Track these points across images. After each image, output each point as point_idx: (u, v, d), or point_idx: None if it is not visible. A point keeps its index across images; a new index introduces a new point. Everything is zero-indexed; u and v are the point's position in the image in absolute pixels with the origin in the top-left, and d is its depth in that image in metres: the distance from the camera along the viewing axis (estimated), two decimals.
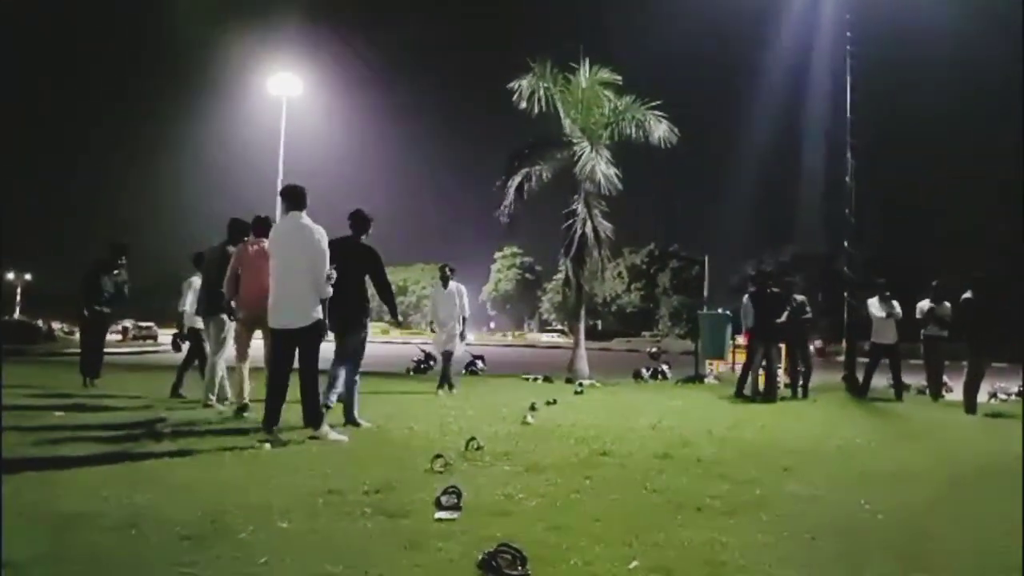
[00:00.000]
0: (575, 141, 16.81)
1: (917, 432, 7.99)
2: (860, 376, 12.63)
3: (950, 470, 5.61)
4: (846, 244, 14.67)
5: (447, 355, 10.95)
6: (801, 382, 11.89)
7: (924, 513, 4.20)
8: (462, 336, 10.86)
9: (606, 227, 17.18)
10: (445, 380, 10.87)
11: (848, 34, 14.76)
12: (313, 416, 6.05)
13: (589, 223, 16.86)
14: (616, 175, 16.77)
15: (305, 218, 6.14)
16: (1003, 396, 12.09)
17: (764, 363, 11.13)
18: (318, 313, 6.07)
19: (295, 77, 31.21)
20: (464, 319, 10.85)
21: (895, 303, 11.66)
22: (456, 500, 3.77)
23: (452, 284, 10.82)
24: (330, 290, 6.10)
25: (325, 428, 6.02)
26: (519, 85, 16.64)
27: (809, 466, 5.44)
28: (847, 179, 14.42)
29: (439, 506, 3.74)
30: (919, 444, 7.06)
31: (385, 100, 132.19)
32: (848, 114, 14.59)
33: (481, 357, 17.91)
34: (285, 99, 30.84)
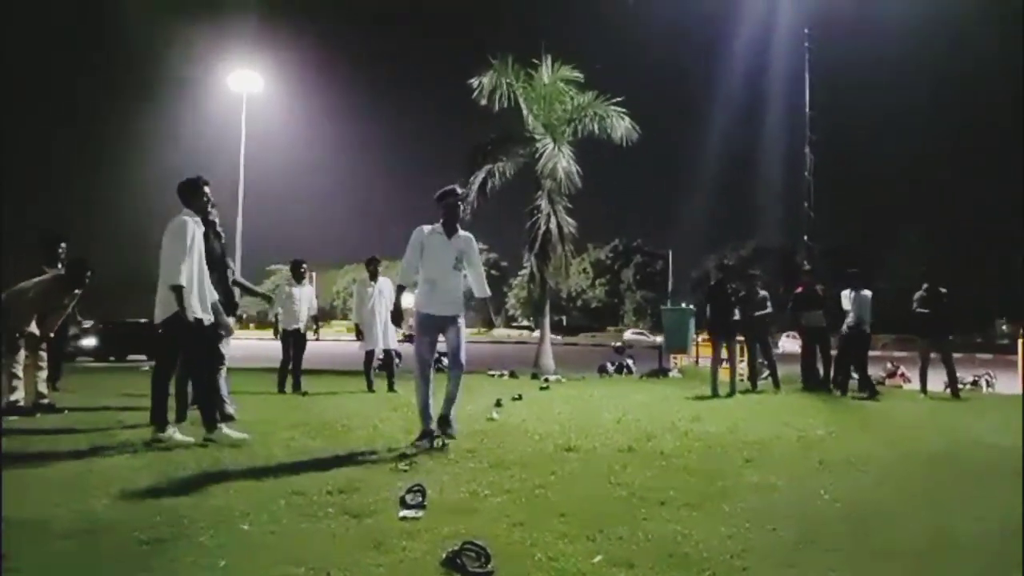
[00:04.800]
0: (538, 137, 16.84)
1: (876, 421, 8.15)
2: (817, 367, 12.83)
3: (907, 458, 5.73)
4: (805, 237, 14.92)
5: (394, 352, 10.99)
6: (766, 375, 12.08)
7: (882, 500, 4.28)
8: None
9: (570, 223, 17.26)
10: (392, 378, 10.69)
11: (806, 31, 15.01)
12: (203, 418, 5.82)
13: (553, 219, 16.91)
14: (577, 172, 16.86)
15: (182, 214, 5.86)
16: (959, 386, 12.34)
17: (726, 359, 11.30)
18: (172, 307, 5.60)
19: (255, 74, 30.84)
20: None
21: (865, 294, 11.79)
22: (420, 498, 3.76)
23: (381, 279, 10.73)
24: (178, 279, 5.58)
25: (220, 429, 5.80)
26: (480, 82, 16.62)
27: (770, 457, 5.51)
28: (806, 174, 14.68)
29: (403, 505, 3.72)
30: (877, 433, 7.19)
31: (347, 95, 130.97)
32: (807, 110, 14.85)
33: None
34: (245, 95, 30.45)
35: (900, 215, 59.12)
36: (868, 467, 5.24)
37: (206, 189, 6.03)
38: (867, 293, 11.40)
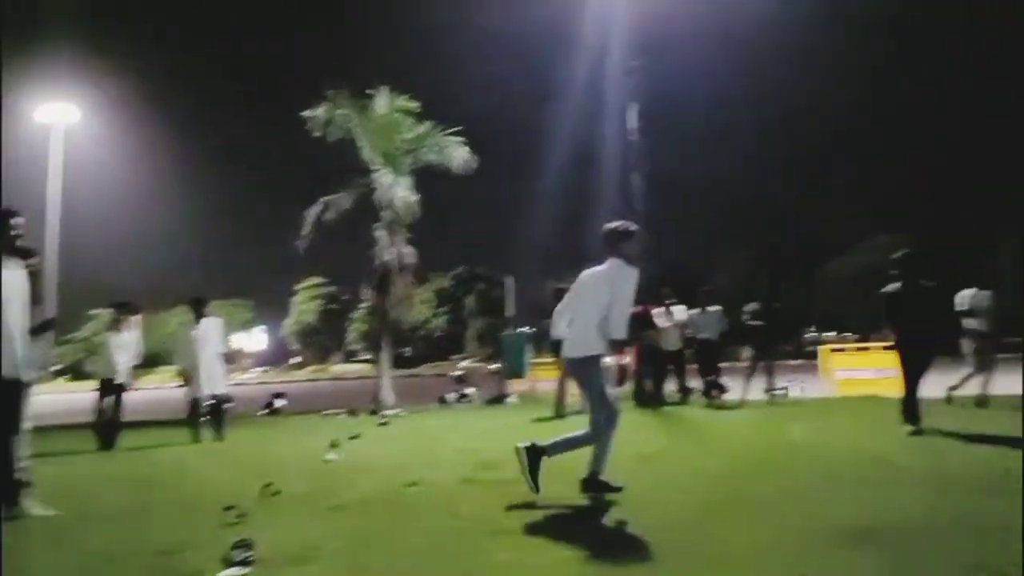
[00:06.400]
0: (375, 168, 16.71)
1: (704, 434, 8.56)
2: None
3: (730, 468, 6.06)
4: None
5: (223, 398, 10.16)
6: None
7: (705, 512, 4.49)
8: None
9: (410, 253, 17.14)
10: (221, 426, 10.00)
11: (634, 63, 15.91)
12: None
13: (393, 249, 16.76)
14: (416, 202, 16.85)
15: None
16: (776, 392, 13.00)
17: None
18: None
19: (71, 105, 28.52)
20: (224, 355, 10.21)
21: (676, 309, 12.49)
22: (247, 553, 3.56)
23: (208, 320, 10.06)
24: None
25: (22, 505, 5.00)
26: (315, 114, 16.32)
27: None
28: (633, 204, 15.52)
29: (227, 564, 3.51)
30: (709, 446, 7.53)
31: (178, 128, 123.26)
32: (633, 137, 15.74)
33: (282, 394, 17.25)
34: (63, 128, 28.00)
35: (720, 235, 63.64)
36: (702, 477, 5.50)
37: (14, 222, 5.07)
38: (719, 308, 12.84)
